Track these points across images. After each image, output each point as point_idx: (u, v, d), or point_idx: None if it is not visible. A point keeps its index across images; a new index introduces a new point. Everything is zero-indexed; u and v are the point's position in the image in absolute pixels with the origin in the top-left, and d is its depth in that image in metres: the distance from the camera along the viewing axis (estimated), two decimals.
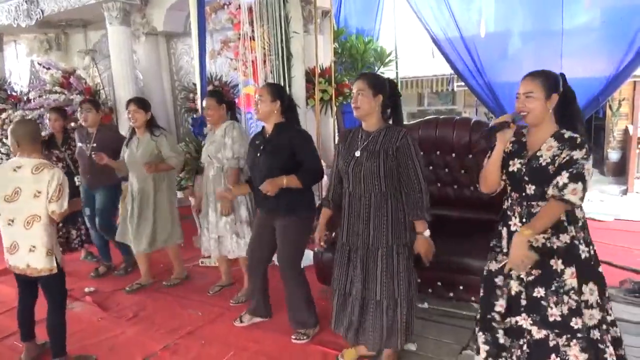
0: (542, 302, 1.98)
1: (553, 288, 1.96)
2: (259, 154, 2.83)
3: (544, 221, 1.94)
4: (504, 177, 2.10)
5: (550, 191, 1.91)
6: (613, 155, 7.86)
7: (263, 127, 2.93)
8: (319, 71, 4.80)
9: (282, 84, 4.42)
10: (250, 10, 4.41)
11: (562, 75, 2.01)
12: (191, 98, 5.53)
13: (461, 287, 2.92)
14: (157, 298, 3.69)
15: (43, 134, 4.08)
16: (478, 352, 2.18)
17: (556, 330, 1.96)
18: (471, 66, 4.31)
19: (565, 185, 1.87)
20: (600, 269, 2.03)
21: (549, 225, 1.95)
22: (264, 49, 4.46)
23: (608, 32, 3.77)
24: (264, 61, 4.48)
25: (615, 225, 5.19)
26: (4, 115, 5.82)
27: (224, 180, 3.34)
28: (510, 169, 2.05)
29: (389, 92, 2.37)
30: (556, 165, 1.92)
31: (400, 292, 2.36)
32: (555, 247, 1.98)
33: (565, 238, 1.97)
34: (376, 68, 6.38)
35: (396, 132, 2.33)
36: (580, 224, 2.00)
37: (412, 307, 2.43)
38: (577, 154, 1.88)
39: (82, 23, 6.69)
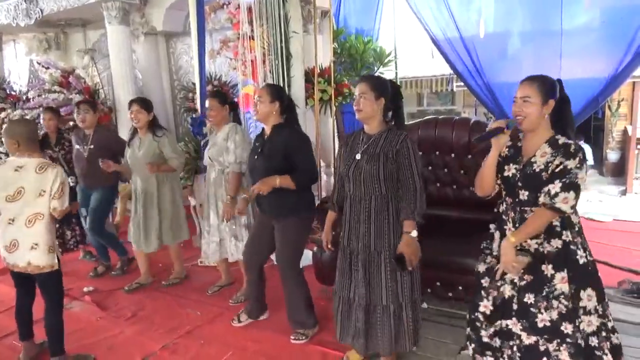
0: (532, 308, 1.98)
1: (544, 293, 1.96)
2: (256, 157, 2.84)
3: (531, 228, 1.95)
4: (498, 182, 2.10)
5: (542, 199, 1.91)
6: (612, 155, 7.85)
7: (263, 129, 2.93)
8: (319, 71, 4.79)
9: (282, 84, 4.42)
10: (249, 10, 4.40)
11: (560, 81, 2.01)
12: (190, 98, 5.53)
13: (460, 288, 2.92)
14: (156, 298, 3.68)
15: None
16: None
17: (546, 336, 1.96)
18: (470, 66, 4.30)
19: (556, 194, 1.86)
20: (598, 275, 2.02)
21: (537, 232, 1.96)
22: (264, 48, 4.45)
23: (607, 32, 3.76)
24: (263, 61, 4.47)
25: (614, 225, 5.20)
26: (3, 115, 5.82)
27: (225, 182, 3.33)
28: (506, 173, 2.05)
29: (391, 95, 2.37)
30: (549, 172, 1.91)
31: (404, 296, 2.36)
32: (545, 252, 1.98)
33: (556, 243, 1.96)
34: (375, 68, 6.38)
35: (397, 135, 2.32)
36: (576, 229, 2.00)
37: (417, 310, 2.43)
38: (571, 164, 1.87)
39: (82, 22, 6.69)
